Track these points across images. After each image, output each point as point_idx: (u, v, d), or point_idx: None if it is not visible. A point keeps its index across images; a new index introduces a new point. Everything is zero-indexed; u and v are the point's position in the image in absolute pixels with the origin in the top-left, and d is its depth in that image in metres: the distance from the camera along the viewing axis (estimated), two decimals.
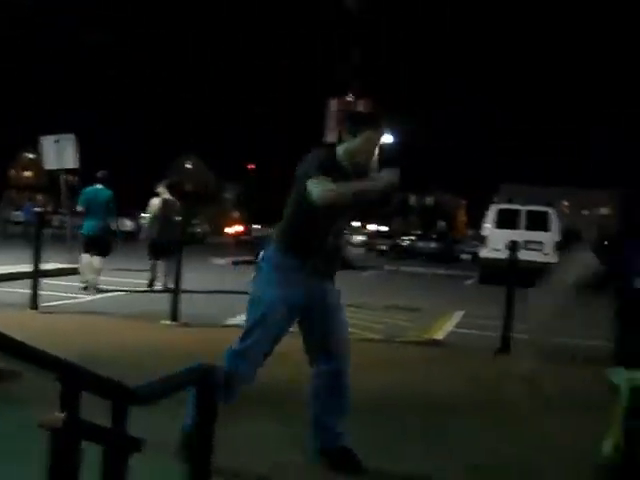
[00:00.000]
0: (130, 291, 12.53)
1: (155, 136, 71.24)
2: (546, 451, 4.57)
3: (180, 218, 12.94)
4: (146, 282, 13.01)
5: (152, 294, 12.29)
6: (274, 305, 3.68)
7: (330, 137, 33.78)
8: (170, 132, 71.01)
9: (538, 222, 20.75)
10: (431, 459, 4.22)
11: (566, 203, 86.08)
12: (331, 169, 3.55)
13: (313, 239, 3.69)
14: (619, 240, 4.43)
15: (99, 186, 11.90)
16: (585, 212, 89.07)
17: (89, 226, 11.75)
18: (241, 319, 8.38)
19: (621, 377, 3.47)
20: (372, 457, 3.98)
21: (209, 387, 2.59)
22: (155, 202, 13.41)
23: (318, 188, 3.47)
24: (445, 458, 4.27)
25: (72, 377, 1.93)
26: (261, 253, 3.85)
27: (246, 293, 3.98)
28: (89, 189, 11.93)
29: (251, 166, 66.47)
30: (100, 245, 11.78)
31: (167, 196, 13.44)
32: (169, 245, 11.42)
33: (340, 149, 3.74)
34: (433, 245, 41.36)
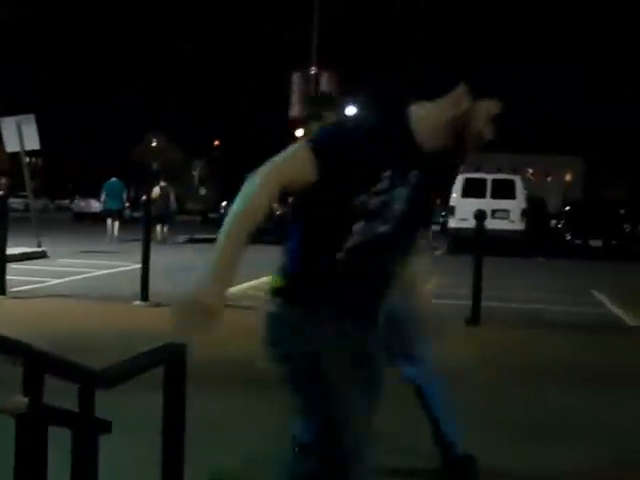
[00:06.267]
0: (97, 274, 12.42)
1: (121, 115, 69.92)
2: None
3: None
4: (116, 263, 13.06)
5: (121, 275, 12.18)
6: None
7: (294, 112, 33.57)
8: (136, 110, 69.70)
9: (504, 190, 20.90)
10: None
11: (530, 170, 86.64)
12: None
13: None
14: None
15: (114, 179, 20.44)
16: (549, 179, 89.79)
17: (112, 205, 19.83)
18: None
19: None
20: None
21: (178, 366, 2.54)
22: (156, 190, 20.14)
23: None
24: None
25: (35, 360, 1.89)
26: None
27: None
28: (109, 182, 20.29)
29: (217, 142, 65.64)
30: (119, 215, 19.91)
31: (163, 184, 20.82)
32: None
33: None
34: None
